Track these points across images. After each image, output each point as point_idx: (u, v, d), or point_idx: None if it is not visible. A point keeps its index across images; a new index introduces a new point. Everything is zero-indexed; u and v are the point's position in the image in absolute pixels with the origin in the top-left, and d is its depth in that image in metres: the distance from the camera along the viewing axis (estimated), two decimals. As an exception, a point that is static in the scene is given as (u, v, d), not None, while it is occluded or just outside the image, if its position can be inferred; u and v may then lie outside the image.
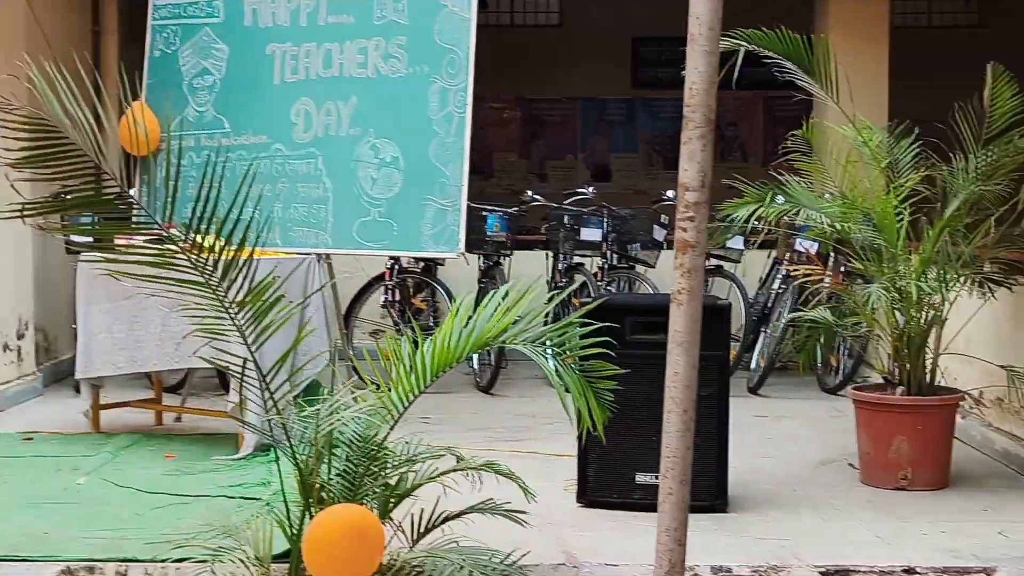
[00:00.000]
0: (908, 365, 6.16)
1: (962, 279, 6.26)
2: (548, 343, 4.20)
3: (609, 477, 5.63)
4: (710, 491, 5.55)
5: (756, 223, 6.47)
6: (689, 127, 2.70)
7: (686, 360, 2.80)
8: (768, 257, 9.59)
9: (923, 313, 6.14)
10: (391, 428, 4.23)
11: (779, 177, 6.32)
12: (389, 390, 4.20)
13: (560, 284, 9.20)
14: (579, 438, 5.52)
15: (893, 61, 9.82)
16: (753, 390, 8.85)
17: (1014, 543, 5.09)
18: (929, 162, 6.38)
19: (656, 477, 5.52)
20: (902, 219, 6.16)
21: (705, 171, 2.71)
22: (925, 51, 12.95)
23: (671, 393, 2.79)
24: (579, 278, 9.35)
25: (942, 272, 6.07)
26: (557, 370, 4.10)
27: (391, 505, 4.30)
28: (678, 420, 2.81)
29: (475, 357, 8.82)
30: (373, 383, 4.34)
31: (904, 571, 4.73)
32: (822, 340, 6.68)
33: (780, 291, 9.01)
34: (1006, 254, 6.50)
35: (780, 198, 6.41)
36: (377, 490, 4.25)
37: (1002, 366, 6.31)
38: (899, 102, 9.32)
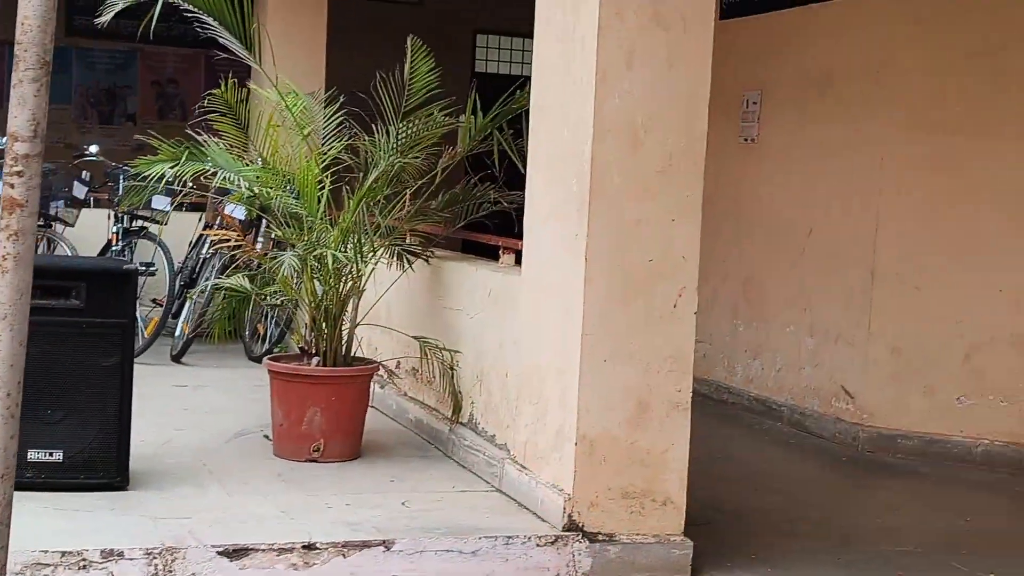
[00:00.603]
0: (325, 335, 6.09)
1: (380, 250, 6.29)
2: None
3: (-4, 455, 5.13)
4: (110, 468, 5.21)
5: (183, 185, 6.18)
6: (20, 68, 2.35)
7: (10, 336, 2.46)
8: (199, 220, 9.31)
9: (342, 283, 6.10)
10: None
11: (197, 136, 6.03)
12: None
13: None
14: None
15: (338, 31, 9.83)
16: (176, 358, 8.54)
17: (414, 513, 5.14)
18: (353, 131, 6.34)
19: (51, 454, 5.16)
20: (323, 187, 6.08)
21: (39, 119, 2.37)
22: (368, 23, 13.16)
23: (-8, 374, 2.43)
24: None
25: (359, 242, 6.05)
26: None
27: None
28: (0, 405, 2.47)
29: None
30: None
31: (304, 547, 4.62)
32: (241, 308, 6.50)
33: (208, 256, 8.76)
34: (424, 227, 6.61)
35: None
36: None
37: (416, 337, 6.40)
38: (341, 72, 9.31)
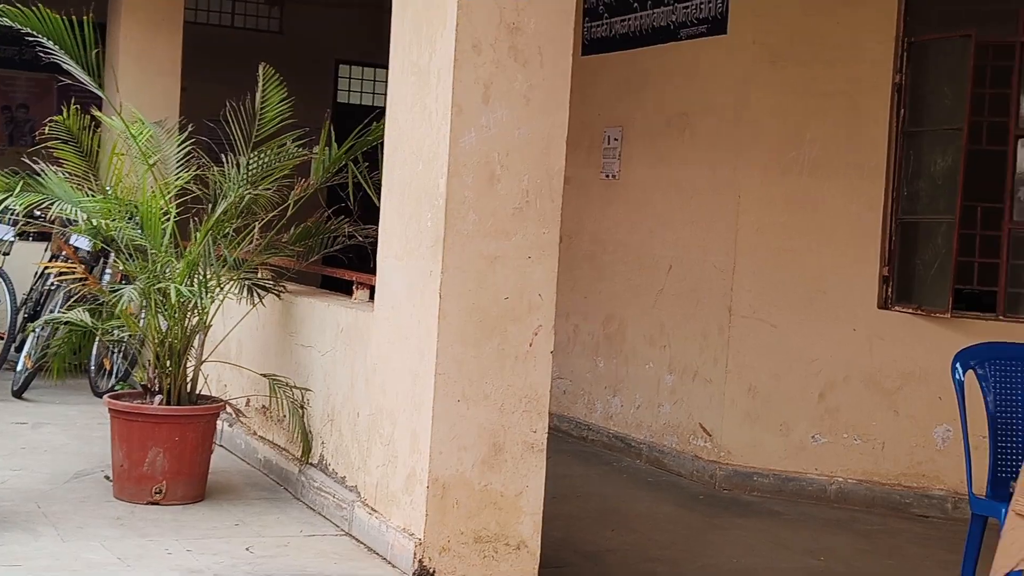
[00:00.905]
0: (169, 372, 5.86)
1: (228, 284, 6.08)
2: None
3: None
4: (-67, 513, 4.93)
5: (20, 215, 5.92)
6: None
7: None
8: (46, 250, 8.98)
9: (187, 318, 5.87)
10: None
11: (34, 165, 5.77)
12: None
13: None
14: None
15: (196, 59, 9.60)
16: (17, 394, 8.20)
17: (259, 559, 4.94)
18: (202, 161, 6.14)
19: None
20: (168, 219, 5.86)
21: None
22: (228, 52, 12.92)
23: None
24: None
25: (205, 276, 5.84)
26: None
27: None
28: None
29: None
30: None
31: (139, 598, 4.40)
32: (83, 343, 6.23)
33: (53, 288, 8.44)
34: (275, 260, 6.42)
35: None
36: None
37: (265, 375, 6.20)
38: (200, 101, 9.08)
